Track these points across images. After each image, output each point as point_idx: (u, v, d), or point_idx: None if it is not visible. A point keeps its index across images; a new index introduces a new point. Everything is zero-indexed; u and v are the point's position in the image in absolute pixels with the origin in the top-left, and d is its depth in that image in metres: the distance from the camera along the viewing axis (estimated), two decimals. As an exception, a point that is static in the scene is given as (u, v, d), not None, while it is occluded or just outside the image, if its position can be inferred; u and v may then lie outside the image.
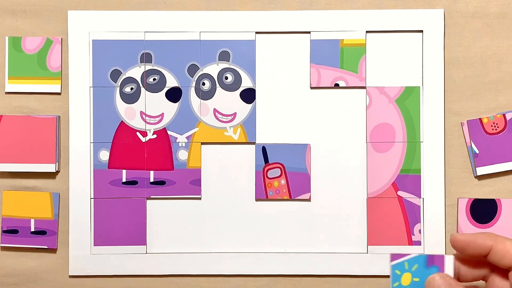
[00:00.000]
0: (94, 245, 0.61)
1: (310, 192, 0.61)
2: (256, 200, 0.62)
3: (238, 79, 0.61)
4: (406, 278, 0.38)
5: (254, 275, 0.62)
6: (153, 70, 0.61)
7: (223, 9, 0.61)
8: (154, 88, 0.62)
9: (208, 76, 0.62)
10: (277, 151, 0.61)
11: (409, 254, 0.38)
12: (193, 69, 0.61)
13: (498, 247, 0.37)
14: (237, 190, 0.62)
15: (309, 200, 0.61)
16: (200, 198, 0.62)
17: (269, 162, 0.61)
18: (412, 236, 0.61)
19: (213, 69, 0.62)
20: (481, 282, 0.39)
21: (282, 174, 0.61)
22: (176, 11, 0.61)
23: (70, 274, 0.62)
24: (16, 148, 0.61)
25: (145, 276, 0.62)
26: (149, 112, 0.62)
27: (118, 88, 0.61)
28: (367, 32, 0.61)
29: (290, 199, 0.61)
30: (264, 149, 0.61)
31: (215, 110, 0.61)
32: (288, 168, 0.61)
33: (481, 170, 0.61)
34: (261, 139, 0.62)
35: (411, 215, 0.61)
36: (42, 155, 0.61)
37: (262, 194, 0.61)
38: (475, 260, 0.39)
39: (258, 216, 0.61)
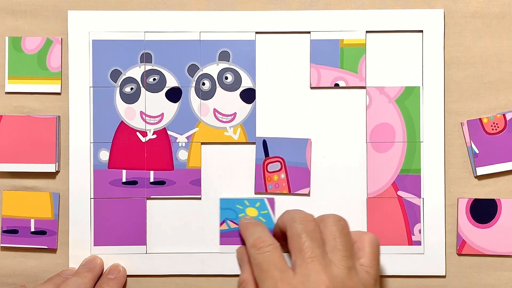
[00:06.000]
0: (94, 245, 0.61)
1: (309, 187, 0.61)
2: (255, 193, 0.61)
3: (238, 79, 0.61)
4: None
5: (254, 275, 0.62)
6: (153, 70, 0.61)
7: (223, 9, 0.61)
8: (154, 88, 0.62)
9: (208, 76, 0.62)
10: (277, 145, 0.61)
11: None
12: (193, 69, 0.61)
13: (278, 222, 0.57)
14: (236, 190, 0.62)
15: (308, 195, 0.61)
16: (200, 198, 0.62)
17: (270, 155, 0.61)
18: (412, 236, 0.61)
19: (213, 69, 0.62)
20: None
21: (282, 168, 0.61)
22: (176, 11, 0.61)
23: (70, 274, 0.62)
24: (16, 148, 0.61)
25: (145, 276, 0.62)
26: (149, 112, 0.62)
27: (118, 88, 0.61)
28: (367, 32, 0.61)
29: (290, 193, 0.61)
30: (264, 142, 0.61)
31: (215, 110, 0.61)
32: (288, 163, 0.61)
33: (481, 170, 0.61)
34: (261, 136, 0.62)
35: (411, 215, 0.61)
36: (42, 155, 0.61)
37: (262, 187, 0.61)
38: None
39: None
